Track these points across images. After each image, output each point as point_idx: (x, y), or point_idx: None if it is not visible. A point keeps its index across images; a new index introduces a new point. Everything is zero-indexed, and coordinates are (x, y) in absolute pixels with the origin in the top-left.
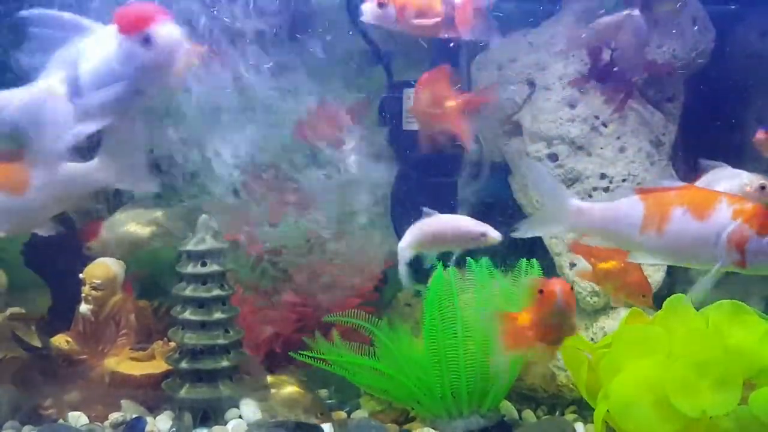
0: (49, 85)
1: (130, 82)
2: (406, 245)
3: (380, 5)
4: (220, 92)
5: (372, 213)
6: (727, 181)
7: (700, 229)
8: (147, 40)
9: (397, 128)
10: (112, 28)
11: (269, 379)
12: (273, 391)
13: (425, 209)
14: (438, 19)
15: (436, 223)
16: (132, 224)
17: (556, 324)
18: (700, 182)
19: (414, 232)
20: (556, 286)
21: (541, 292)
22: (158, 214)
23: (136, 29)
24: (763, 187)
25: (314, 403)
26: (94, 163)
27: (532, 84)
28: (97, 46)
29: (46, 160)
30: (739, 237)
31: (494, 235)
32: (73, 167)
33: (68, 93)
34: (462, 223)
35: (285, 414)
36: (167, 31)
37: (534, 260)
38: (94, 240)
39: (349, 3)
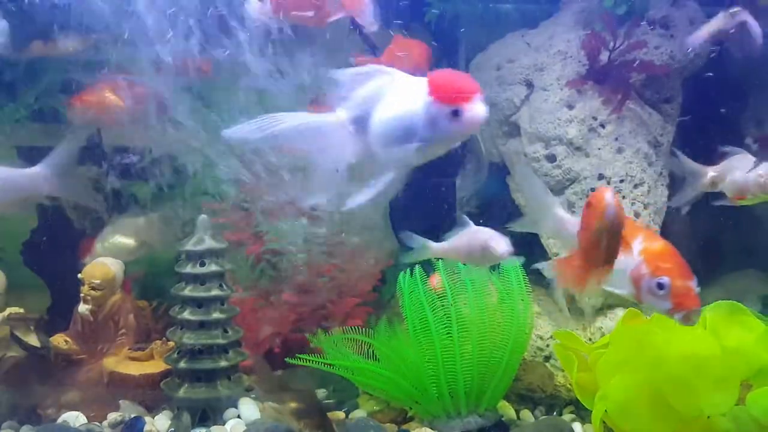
0: (338, 117)
1: (424, 143)
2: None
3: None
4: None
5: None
6: (743, 169)
7: (620, 260)
8: (456, 114)
9: None
10: (423, 86)
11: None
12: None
13: (463, 217)
14: (311, 13)
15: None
16: (119, 236)
17: (607, 236)
18: (718, 167)
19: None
20: (605, 193)
21: (589, 204)
22: (140, 223)
23: (450, 101)
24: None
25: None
26: (35, 170)
27: (530, 85)
28: (401, 97)
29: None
30: (637, 275)
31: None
32: (11, 172)
33: (353, 129)
34: (490, 243)
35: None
36: (477, 110)
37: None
38: (89, 256)
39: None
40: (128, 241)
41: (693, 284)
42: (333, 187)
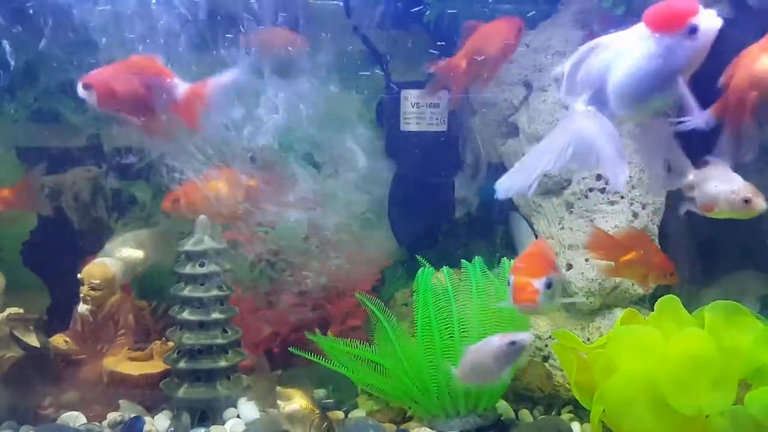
0: (582, 110)
1: (673, 79)
2: None
3: (84, 87)
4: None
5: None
6: (718, 181)
7: None
8: (693, 31)
9: (394, 129)
10: (641, 30)
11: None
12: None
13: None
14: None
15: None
16: (126, 250)
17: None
18: (694, 175)
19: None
20: None
21: None
22: (145, 235)
23: (680, 22)
24: (746, 201)
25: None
26: None
27: (528, 86)
28: (627, 55)
29: None
30: None
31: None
32: None
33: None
34: None
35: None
36: (709, 17)
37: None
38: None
39: (348, 5)
40: (136, 255)
41: (534, 281)
42: (624, 168)
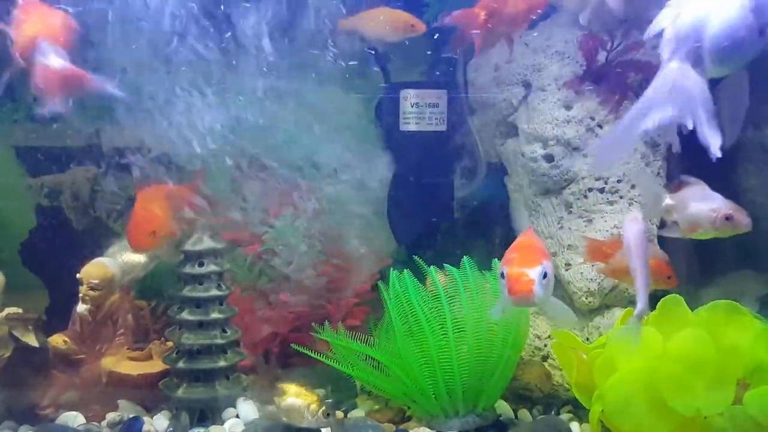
0: (678, 66)
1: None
2: None
3: None
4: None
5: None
6: (697, 202)
7: None
8: None
9: (394, 129)
10: None
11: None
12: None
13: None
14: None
15: None
16: (128, 253)
17: None
18: (675, 196)
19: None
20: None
21: None
22: None
23: None
24: (728, 218)
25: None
26: None
27: (528, 85)
28: (724, 8)
29: None
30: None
31: None
32: None
33: (692, 62)
34: None
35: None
36: None
37: None
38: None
39: (346, 4)
40: (139, 259)
41: (529, 271)
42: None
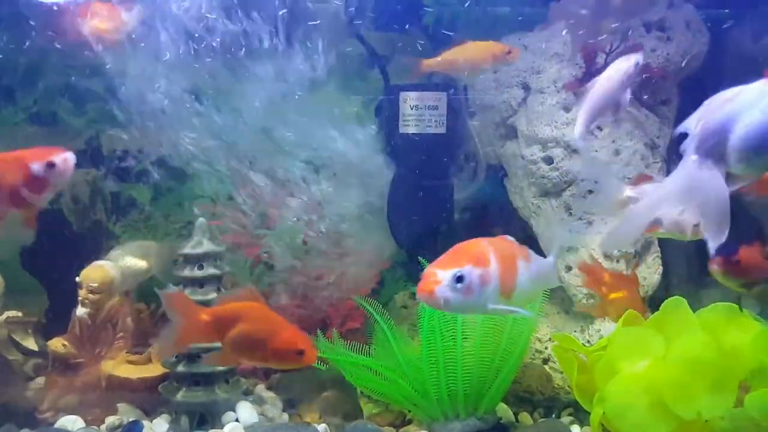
0: (699, 162)
1: None
2: None
3: None
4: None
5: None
6: (669, 205)
7: None
8: None
9: (393, 131)
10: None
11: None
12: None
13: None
14: None
15: None
16: (129, 258)
17: None
18: (636, 190)
19: None
20: None
21: None
22: (152, 247)
23: None
24: (697, 225)
25: None
26: None
27: (527, 87)
28: (752, 110)
29: None
30: None
31: None
32: None
33: (711, 162)
34: None
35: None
36: None
37: None
38: None
39: (347, 7)
40: (140, 265)
41: (439, 272)
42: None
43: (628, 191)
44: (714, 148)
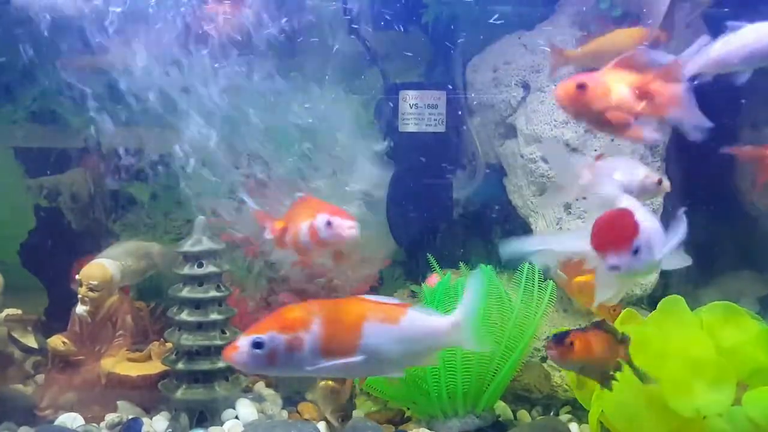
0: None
1: None
2: None
3: None
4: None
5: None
6: (622, 172)
7: None
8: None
9: (392, 130)
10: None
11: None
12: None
13: None
14: None
15: None
16: (127, 258)
17: None
18: (592, 172)
19: None
20: None
21: None
22: (154, 249)
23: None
24: (659, 182)
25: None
26: None
27: (526, 86)
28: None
29: None
30: None
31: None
32: None
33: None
34: None
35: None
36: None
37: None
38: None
39: (346, 6)
40: (137, 265)
41: (242, 336)
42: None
43: (586, 173)
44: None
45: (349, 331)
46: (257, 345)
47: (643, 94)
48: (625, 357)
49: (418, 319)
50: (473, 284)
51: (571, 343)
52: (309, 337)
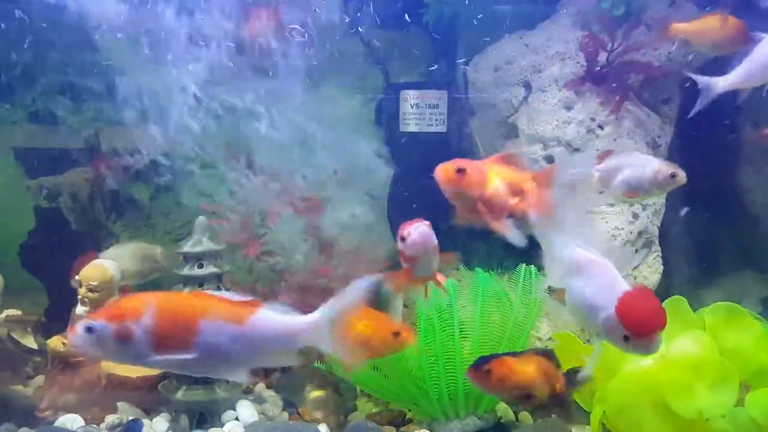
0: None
1: None
2: None
3: None
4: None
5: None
6: (633, 167)
7: None
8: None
9: (393, 130)
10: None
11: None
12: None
13: None
14: None
15: None
16: (129, 259)
17: None
18: (603, 167)
19: None
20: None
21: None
22: (157, 251)
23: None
24: (673, 175)
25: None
26: None
27: (528, 86)
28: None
29: None
30: None
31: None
32: None
33: None
34: None
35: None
36: None
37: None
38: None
39: (347, 5)
40: (141, 267)
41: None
42: None
43: (597, 171)
44: None
45: (183, 327)
46: (89, 330)
47: (516, 191)
48: (562, 388)
49: (269, 319)
50: (355, 286)
51: (488, 370)
52: (138, 328)
